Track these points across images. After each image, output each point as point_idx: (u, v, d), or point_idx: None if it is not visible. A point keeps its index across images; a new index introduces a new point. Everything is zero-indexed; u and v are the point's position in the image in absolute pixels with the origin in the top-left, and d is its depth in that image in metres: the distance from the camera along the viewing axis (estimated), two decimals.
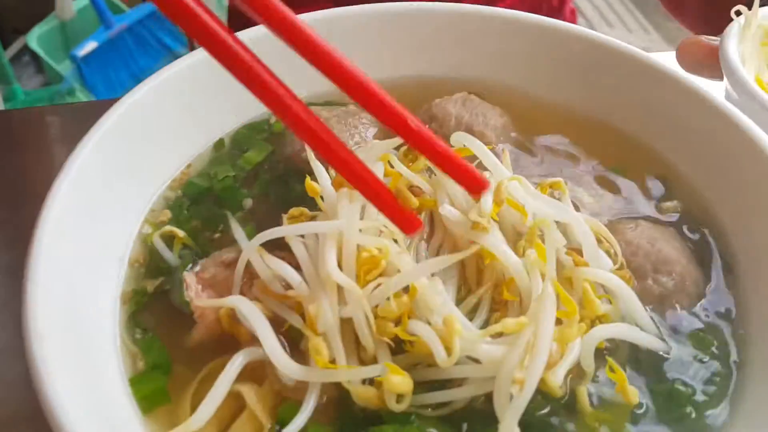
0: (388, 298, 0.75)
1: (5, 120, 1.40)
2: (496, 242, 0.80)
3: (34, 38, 2.97)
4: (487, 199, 0.82)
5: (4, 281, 1.12)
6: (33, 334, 0.66)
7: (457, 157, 0.73)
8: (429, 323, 0.75)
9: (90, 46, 2.97)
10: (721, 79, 1.10)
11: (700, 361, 0.81)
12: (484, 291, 0.81)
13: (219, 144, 1.05)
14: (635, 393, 0.76)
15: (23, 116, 1.41)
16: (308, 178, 0.86)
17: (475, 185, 0.73)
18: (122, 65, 3.20)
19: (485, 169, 0.89)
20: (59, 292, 0.73)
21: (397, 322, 0.75)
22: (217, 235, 0.94)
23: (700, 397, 0.78)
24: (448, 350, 0.71)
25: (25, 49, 3.11)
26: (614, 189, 0.99)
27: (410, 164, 0.90)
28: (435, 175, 0.89)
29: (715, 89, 0.99)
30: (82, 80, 3.01)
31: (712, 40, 1.17)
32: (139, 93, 0.92)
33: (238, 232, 0.92)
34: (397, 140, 0.87)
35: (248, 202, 0.98)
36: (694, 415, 0.77)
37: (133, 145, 0.91)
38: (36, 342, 0.66)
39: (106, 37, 3.02)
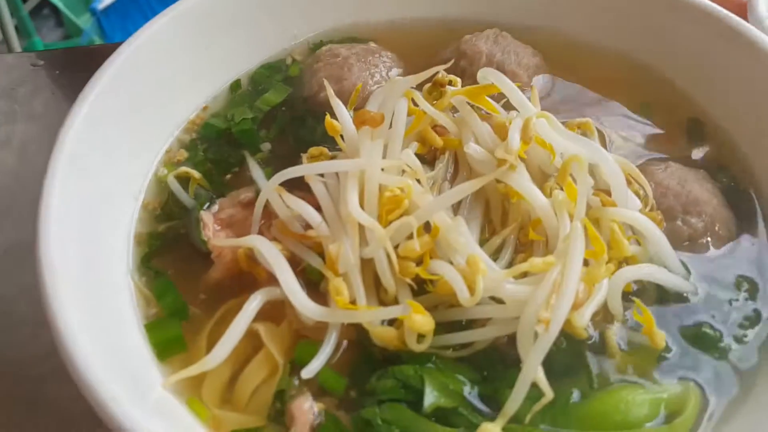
0: (410, 237, 0.73)
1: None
2: (523, 181, 0.77)
3: None
4: (515, 135, 0.79)
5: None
6: (46, 267, 0.65)
7: None
8: (452, 263, 0.72)
9: None
10: None
11: (730, 304, 0.78)
12: (509, 231, 0.78)
13: (235, 85, 1.03)
14: (662, 337, 0.74)
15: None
16: (328, 116, 0.83)
17: None
18: (141, 18, 3.15)
19: (512, 107, 0.86)
20: (72, 226, 0.72)
21: (419, 262, 0.74)
22: (231, 177, 0.92)
23: (728, 341, 0.76)
24: (471, 290, 0.69)
25: (45, 2, 3.09)
26: (645, 131, 0.96)
27: (434, 102, 0.86)
28: (459, 113, 0.86)
29: None
30: (102, 33, 2.98)
31: None
32: (155, 26, 0.90)
33: (256, 171, 0.90)
34: (421, 76, 0.84)
35: (266, 144, 0.96)
36: (721, 358, 0.75)
37: (148, 82, 0.89)
38: (48, 274, 0.65)
39: None
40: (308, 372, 0.71)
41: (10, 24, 2.42)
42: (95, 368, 0.59)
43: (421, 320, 0.70)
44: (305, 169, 0.80)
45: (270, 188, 0.80)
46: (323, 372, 0.72)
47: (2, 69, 1.35)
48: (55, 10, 3.03)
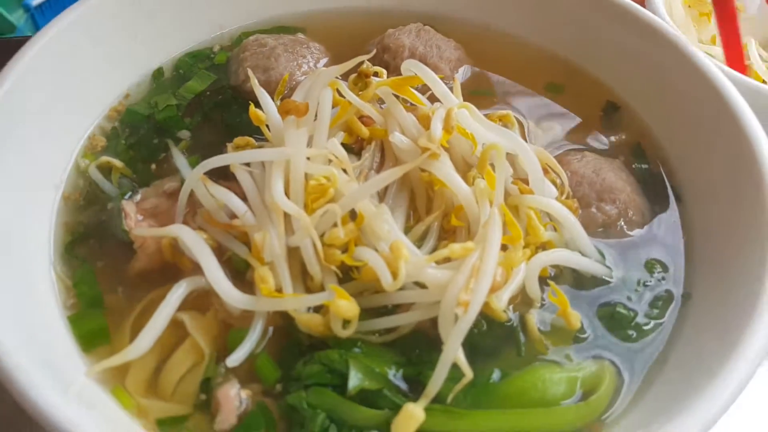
0: (335, 225, 0.74)
1: None
2: (445, 169, 0.79)
3: None
4: (437, 125, 0.81)
5: None
6: None
7: None
8: (376, 251, 0.74)
9: None
10: None
11: (644, 285, 0.82)
12: (433, 219, 0.80)
13: (158, 73, 1.01)
14: (577, 318, 0.77)
15: None
16: (252, 106, 0.83)
17: None
18: None
19: (436, 99, 0.88)
20: None
21: (344, 249, 0.75)
22: (155, 166, 0.91)
23: (642, 320, 0.79)
24: (394, 275, 0.71)
25: None
26: (564, 122, 0.99)
27: (360, 93, 0.87)
28: (385, 104, 0.87)
29: None
30: (36, 30, 2.85)
31: None
32: (76, 12, 0.88)
33: (180, 160, 0.89)
34: (345, 66, 0.85)
35: (186, 132, 0.95)
36: (635, 336, 0.78)
37: (67, 70, 0.88)
38: None
39: None
40: (233, 360, 0.72)
41: None
42: (15, 357, 0.58)
43: (346, 306, 0.71)
44: (230, 158, 0.80)
45: (194, 178, 0.79)
46: (259, 359, 0.73)
47: None
48: None
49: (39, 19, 2.77)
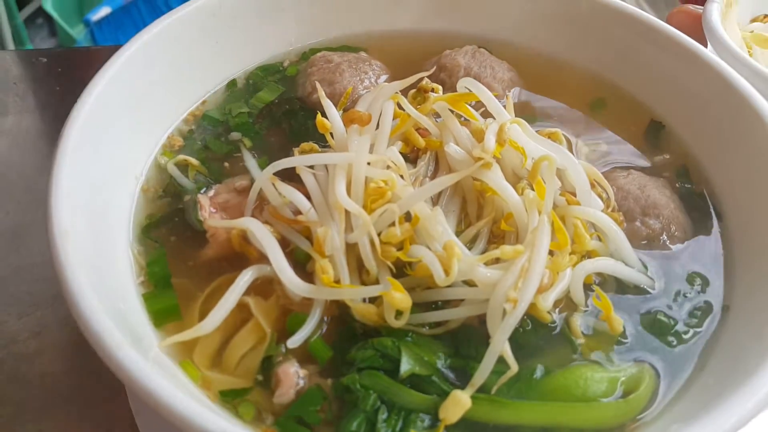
0: (392, 225, 0.79)
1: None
2: (497, 178, 0.84)
3: (48, 1, 2.99)
4: (490, 137, 0.86)
5: None
6: (56, 230, 0.70)
7: None
8: (429, 249, 0.79)
9: (104, 11, 2.98)
10: (706, 46, 1.15)
11: (684, 297, 0.86)
12: (483, 224, 0.85)
13: (231, 83, 1.10)
14: (620, 322, 0.80)
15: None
16: (319, 115, 0.90)
17: None
18: (134, 31, 3.19)
19: (490, 115, 0.93)
20: (80, 196, 0.77)
21: (400, 247, 0.80)
22: (227, 165, 0.98)
23: (681, 328, 0.83)
24: (447, 272, 0.75)
25: (40, 11, 3.13)
26: (611, 142, 1.04)
27: (418, 107, 0.94)
28: (442, 118, 0.93)
29: None
30: (94, 45, 3.03)
31: (698, 8, 1.22)
32: (164, 23, 0.96)
33: (250, 161, 0.96)
34: (406, 82, 0.91)
35: (260, 137, 1.02)
36: (675, 343, 0.81)
37: (152, 75, 0.96)
38: (59, 237, 0.70)
39: (119, 3, 3.04)
40: (293, 342, 0.77)
41: (7, 30, 2.46)
42: (102, 319, 0.64)
43: (400, 297, 0.76)
44: (298, 160, 0.86)
45: (265, 177, 0.86)
46: (314, 342, 0.78)
47: (4, 64, 1.40)
48: (49, 19, 3.07)
49: (97, 34, 2.94)
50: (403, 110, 0.91)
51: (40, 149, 1.26)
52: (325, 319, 0.81)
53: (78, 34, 2.96)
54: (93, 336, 0.63)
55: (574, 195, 0.87)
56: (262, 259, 0.82)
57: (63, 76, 1.38)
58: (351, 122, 0.89)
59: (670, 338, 0.82)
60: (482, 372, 0.72)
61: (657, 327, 0.82)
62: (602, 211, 0.87)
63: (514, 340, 0.74)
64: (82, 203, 0.76)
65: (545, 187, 0.83)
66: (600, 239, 0.86)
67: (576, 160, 0.88)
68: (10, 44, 2.52)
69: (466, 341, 0.78)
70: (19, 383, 0.95)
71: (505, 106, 0.93)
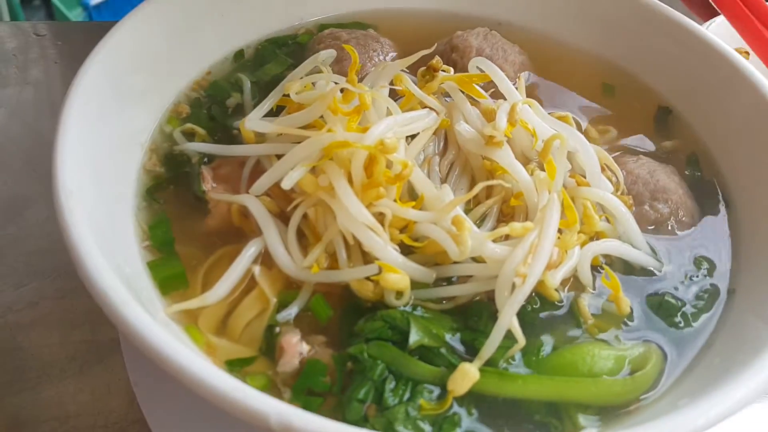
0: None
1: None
2: (508, 157, 0.84)
3: None
4: (502, 116, 0.86)
5: None
6: (62, 189, 0.69)
7: None
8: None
9: None
10: None
11: (691, 279, 0.86)
12: (492, 202, 0.85)
13: (239, 54, 1.09)
14: (627, 303, 0.80)
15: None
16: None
17: None
18: None
19: (500, 98, 0.93)
20: (85, 160, 0.76)
21: (403, 229, 0.79)
22: (233, 136, 0.96)
23: (688, 309, 0.83)
24: (459, 246, 0.75)
25: None
26: (620, 127, 1.04)
27: (425, 85, 0.93)
28: (451, 98, 0.92)
29: None
30: None
31: None
32: None
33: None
34: (409, 60, 0.91)
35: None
36: (681, 324, 0.81)
37: (157, 43, 0.95)
38: (65, 197, 0.69)
39: None
40: (282, 317, 0.77)
41: (5, 9, 2.43)
42: (109, 276, 0.63)
43: (395, 278, 0.74)
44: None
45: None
46: (315, 300, 0.78)
47: (4, 35, 1.38)
48: (46, 1, 3.05)
49: (96, 17, 2.90)
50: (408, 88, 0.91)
51: (39, 121, 1.24)
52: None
53: (76, 17, 2.93)
54: (99, 293, 0.62)
55: (584, 177, 0.87)
56: (260, 233, 0.81)
57: (62, 50, 1.36)
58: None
59: (677, 319, 0.81)
60: (490, 345, 0.71)
61: (663, 308, 0.82)
62: (611, 194, 0.86)
63: (522, 317, 0.74)
64: (87, 167, 0.75)
65: (555, 167, 0.82)
66: (609, 221, 0.86)
67: (586, 141, 0.87)
68: (6, 16, 2.49)
69: (474, 316, 0.78)
70: (15, 352, 0.94)
71: (516, 88, 0.93)
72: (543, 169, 0.84)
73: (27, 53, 1.35)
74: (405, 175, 0.78)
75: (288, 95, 0.89)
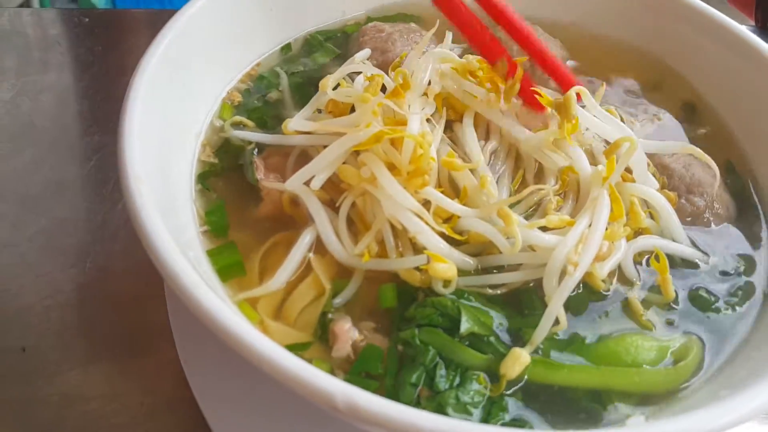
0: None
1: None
2: (577, 155, 0.87)
3: None
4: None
5: None
6: (131, 174, 0.71)
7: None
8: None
9: None
10: None
11: (728, 274, 0.88)
12: (545, 192, 0.87)
13: (286, 47, 1.12)
14: (672, 287, 0.83)
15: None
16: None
17: (566, 82, 0.86)
18: (156, 3, 3.18)
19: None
20: (147, 148, 0.78)
21: (447, 219, 0.81)
22: (282, 126, 0.98)
23: (723, 305, 0.85)
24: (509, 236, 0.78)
25: None
26: (657, 122, 1.06)
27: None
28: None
29: None
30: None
31: None
32: None
33: None
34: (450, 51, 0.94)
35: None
36: (720, 318, 0.84)
37: (211, 36, 0.97)
38: (133, 180, 0.71)
39: None
40: (336, 303, 0.80)
41: None
42: (179, 258, 0.65)
43: (444, 268, 0.77)
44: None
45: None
46: (385, 288, 0.80)
47: (47, 21, 1.40)
48: None
49: (119, 4, 2.90)
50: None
51: (82, 106, 1.26)
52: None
53: (99, 2, 2.94)
54: (171, 275, 0.64)
55: (631, 173, 0.89)
56: (311, 221, 0.83)
57: (104, 37, 1.38)
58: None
59: (715, 313, 0.84)
60: (540, 331, 0.74)
61: (703, 302, 0.84)
62: (657, 190, 0.89)
63: (568, 306, 0.76)
64: (150, 154, 0.77)
65: (615, 165, 0.84)
66: (652, 216, 0.88)
67: (636, 138, 0.89)
68: (36, 4, 2.51)
69: (521, 305, 0.80)
70: (64, 332, 0.97)
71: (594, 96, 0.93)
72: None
73: (69, 39, 1.37)
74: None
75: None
